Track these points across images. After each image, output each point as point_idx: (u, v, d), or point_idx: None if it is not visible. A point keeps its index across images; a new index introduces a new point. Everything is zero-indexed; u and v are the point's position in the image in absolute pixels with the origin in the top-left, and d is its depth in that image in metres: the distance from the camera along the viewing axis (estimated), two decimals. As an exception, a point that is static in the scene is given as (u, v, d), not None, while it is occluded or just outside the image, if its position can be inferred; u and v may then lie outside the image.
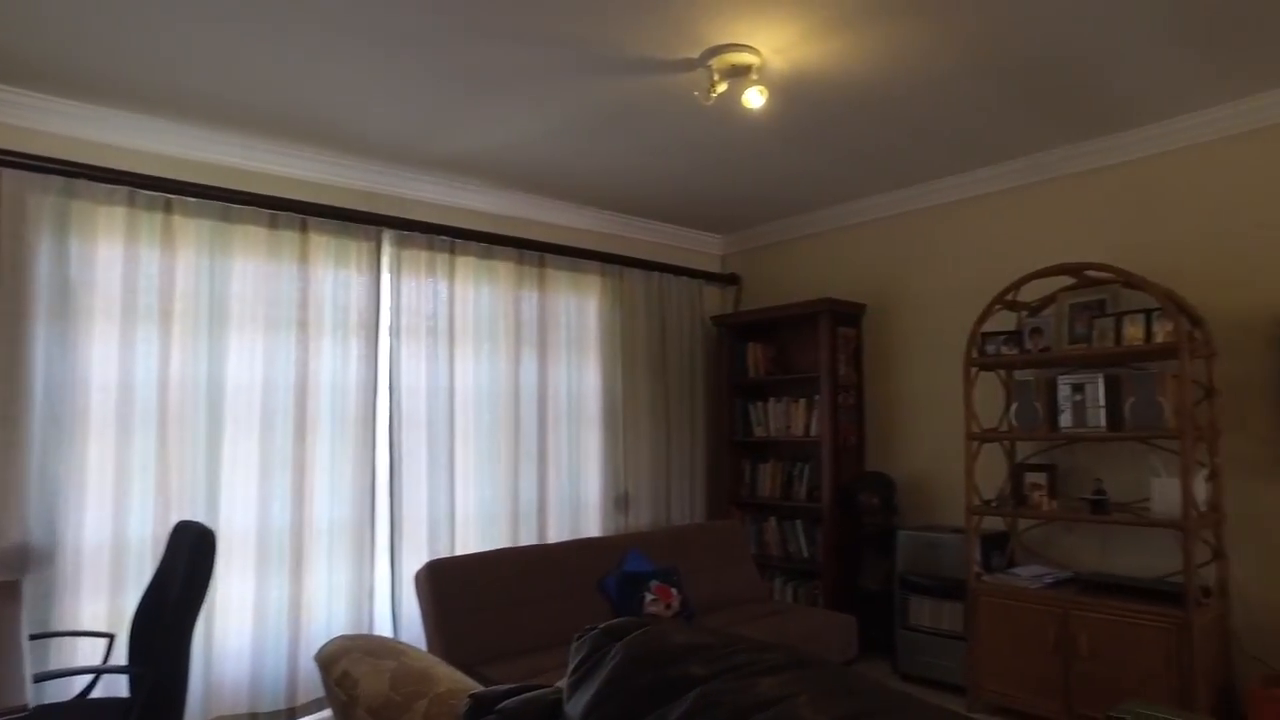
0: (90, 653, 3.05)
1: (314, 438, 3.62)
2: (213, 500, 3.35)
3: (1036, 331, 3.57)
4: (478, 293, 4.23)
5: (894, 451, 4.55)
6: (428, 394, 3.98)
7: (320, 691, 3.52)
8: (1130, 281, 3.28)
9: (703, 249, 5.48)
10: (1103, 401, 3.36)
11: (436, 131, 3.54)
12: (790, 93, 3.16)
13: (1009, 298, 3.69)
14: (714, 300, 5.46)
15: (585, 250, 4.65)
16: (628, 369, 4.78)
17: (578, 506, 4.54)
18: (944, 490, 4.28)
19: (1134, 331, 3.29)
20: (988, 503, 3.86)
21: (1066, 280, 3.65)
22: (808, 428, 4.69)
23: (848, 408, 4.61)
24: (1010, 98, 3.23)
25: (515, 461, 4.26)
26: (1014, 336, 3.65)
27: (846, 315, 4.65)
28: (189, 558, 2.37)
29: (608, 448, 4.68)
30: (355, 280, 3.80)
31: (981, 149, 3.82)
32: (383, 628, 3.79)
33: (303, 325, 3.61)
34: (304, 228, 3.66)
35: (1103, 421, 3.35)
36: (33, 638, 2.76)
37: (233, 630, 3.38)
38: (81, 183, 3.13)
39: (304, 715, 3.49)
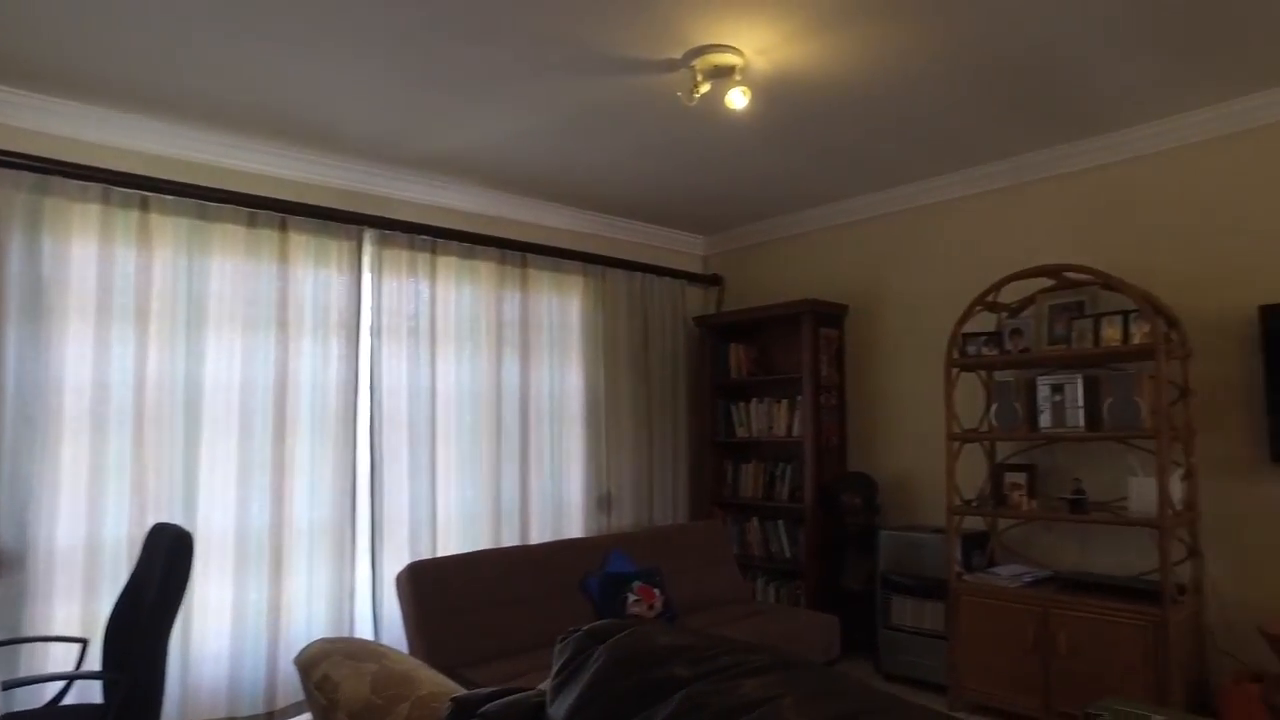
0: (63, 659, 3.00)
1: (294, 438, 3.59)
2: (190, 502, 3.30)
3: (1016, 332, 3.61)
4: (459, 293, 4.21)
5: (876, 452, 4.58)
6: (409, 394, 3.95)
7: (300, 695, 3.48)
8: (1108, 283, 3.32)
9: (685, 249, 5.48)
10: (1081, 402, 3.40)
11: (418, 130, 3.51)
12: (773, 94, 3.17)
13: (989, 299, 3.72)
14: (696, 301, 5.46)
15: (568, 250, 4.64)
16: (610, 369, 4.77)
17: (560, 507, 4.53)
18: (925, 490, 4.31)
19: (1112, 333, 3.33)
20: (968, 503, 3.89)
21: (1046, 282, 3.69)
22: (790, 428, 4.71)
23: (830, 408, 4.63)
24: (990, 101, 3.26)
25: (497, 462, 4.24)
26: (994, 337, 3.68)
27: (829, 316, 4.67)
28: (166, 560, 2.33)
29: (590, 448, 4.67)
30: (336, 280, 3.76)
31: (962, 152, 3.85)
32: (363, 630, 3.75)
33: (282, 325, 3.58)
34: (283, 226, 3.62)
35: (1081, 422, 3.39)
36: (2, 644, 2.71)
37: (211, 633, 3.34)
38: (55, 179, 3.08)
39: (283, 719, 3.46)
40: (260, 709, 3.41)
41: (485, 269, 4.31)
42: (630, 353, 4.88)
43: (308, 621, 3.58)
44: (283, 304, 3.59)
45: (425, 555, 3.89)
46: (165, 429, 3.27)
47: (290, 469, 3.56)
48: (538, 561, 3.63)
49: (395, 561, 3.82)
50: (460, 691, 1.29)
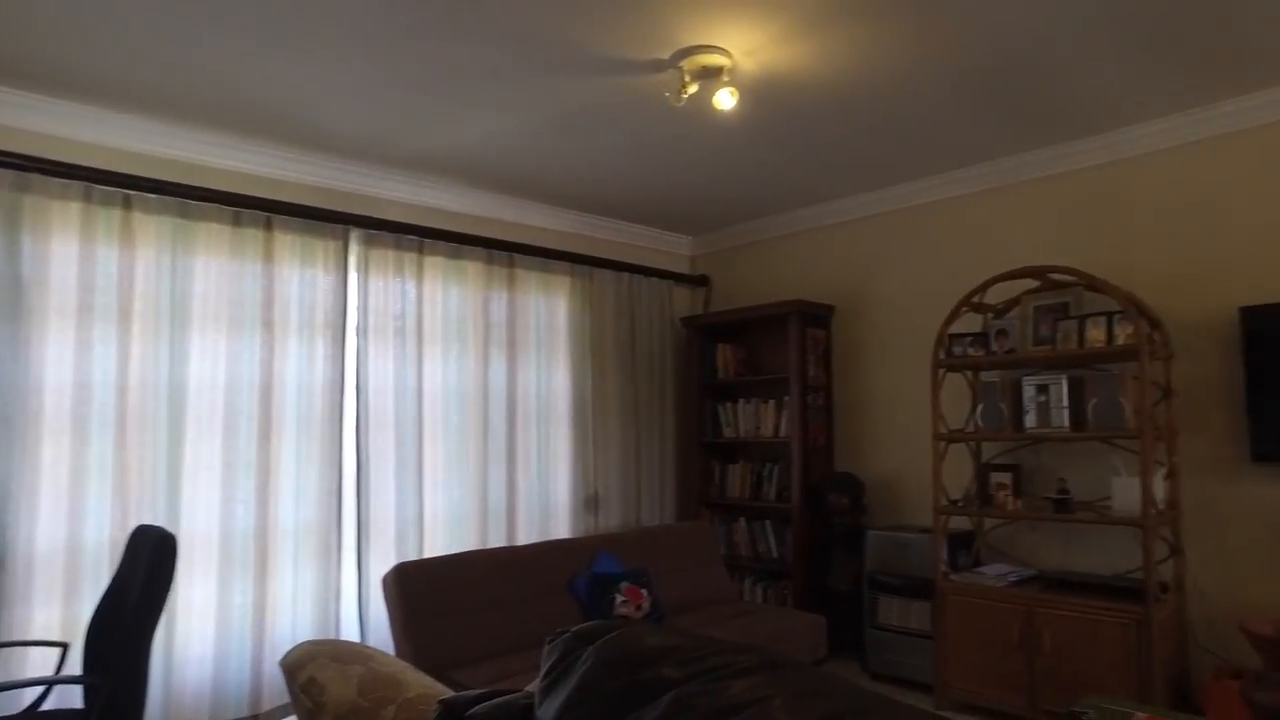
0: (42, 663, 2.96)
1: (279, 439, 3.56)
2: (174, 503, 3.27)
3: (1002, 333, 3.63)
4: (446, 293, 4.19)
5: (863, 452, 4.59)
6: (395, 395, 3.93)
7: (285, 698, 3.45)
8: (1093, 284, 3.35)
9: (672, 250, 5.48)
10: (1066, 402, 3.42)
11: (404, 130, 3.49)
12: (760, 94, 3.17)
13: (975, 300, 3.74)
14: (684, 301, 5.47)
15: (555, 250, 4.63)
16: (597, 370, 4.76)
17: (547, 508, 4.52)
18: (912, 490, 4.33)
19: (1096, 334, 3.35)
20: (954, 503, 3.91)
21: (1031, 283, 3.71)
22: (777, 428, 4.72)
23: (817, 408, 4.64)
24: (975, 103, 3.28)
25: (484, 463, 4.23)
26: (980, 338, 3.70)
27: (816, 317, 4.68)
28: (149, 562, 2.31)
29: (577, 448, 4.66)
30: (321, 279, 3.74)
31: (948, 153, 3.88)
32: (350, 632, 3.73)
33: (267, 325, 3.55)
34: (268, 225, 3.59)
35: (1066, 422, 3.41)
36: (-18, 647, 2.68)
37: (194, 636, 3.31)
38: (35, 177, 3.04)
39: (267, 722, 3.43)
40: (245, 712, 3.37)
41: (472, 269, 4.30)
42: (617, 353, 4.87)
43: (293, 623, 3.55)
44: (268, 304, 3.56)
45: (412, 556, 3.87)
46: (148, 430, 3.24)
47: (275, 470, 3.53)
48: (525, 562, 3.62)
49: (382, 563, 3.80)
50: (448, 693, 1.28)
